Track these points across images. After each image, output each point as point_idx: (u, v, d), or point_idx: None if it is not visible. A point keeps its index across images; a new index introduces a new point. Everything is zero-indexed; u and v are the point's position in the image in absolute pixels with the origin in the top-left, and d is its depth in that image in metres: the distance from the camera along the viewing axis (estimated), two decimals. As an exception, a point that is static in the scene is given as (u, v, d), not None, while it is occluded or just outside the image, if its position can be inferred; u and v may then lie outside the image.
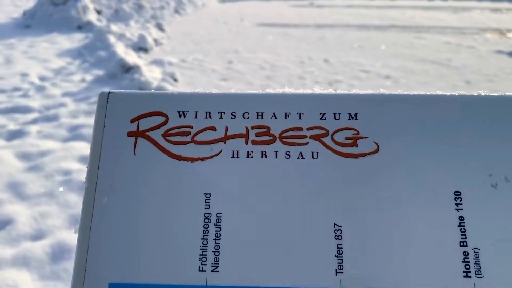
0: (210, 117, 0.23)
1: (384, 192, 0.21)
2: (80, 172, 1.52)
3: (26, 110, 2.16)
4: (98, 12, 4.91)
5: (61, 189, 1.42)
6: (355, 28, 4.77)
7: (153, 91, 0.24)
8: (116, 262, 0.20)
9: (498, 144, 0.22)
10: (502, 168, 0.21)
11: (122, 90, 0.23)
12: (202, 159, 0.22)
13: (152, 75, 2.70)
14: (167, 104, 0.23)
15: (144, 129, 0.23)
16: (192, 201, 0.21)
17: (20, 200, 1.37)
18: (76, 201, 1.37)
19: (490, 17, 5.45)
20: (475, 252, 0.20)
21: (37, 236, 1.20)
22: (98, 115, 0.23)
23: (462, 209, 0.21)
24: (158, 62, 3.12)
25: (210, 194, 0.21)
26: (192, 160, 0.22)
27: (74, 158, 1.64)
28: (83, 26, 4.38)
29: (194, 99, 0.23)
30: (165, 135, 0.22)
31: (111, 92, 0.23)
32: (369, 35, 4.35)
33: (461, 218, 0.21)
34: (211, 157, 0.22)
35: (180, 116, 0.23)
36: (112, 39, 3.48)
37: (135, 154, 0.22)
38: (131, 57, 2.87)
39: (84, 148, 1.71)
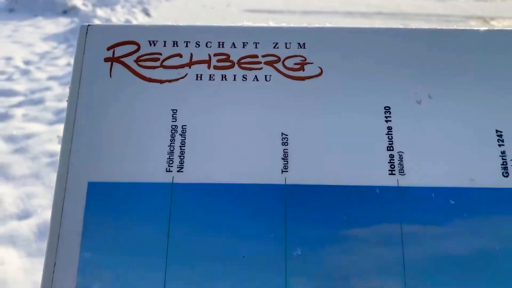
0: (177, 46, 0.26)
1: (325, 108, 0.25)
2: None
3: (11, 93, 2.15)
4: (84, -3, 4.85)
5: (47, 170, 1.43)
6: (342, 15, 4.79)
7: (127, 24, 0.27)
8: (94, 164, 0.24)
9: (423, 68, 0.26)
10: (426, 87, 0.25)
11: (100, 23, 0.26)
12: (170, 81, 0.25)
13: (138, 59, 2.70)
14: (139, 34, 0.26)
15: (119, 56, 0.26)
16: (160, 115, 0.25)
17: (6, 181, 1.39)
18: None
19: (474, 5, 5.51)
20: (399, 155, 0.24)
21: (24, 215, 1.22)
22: (79, 44, 0.26)
23: (390, 121, 0.24)
24: (144, 47, 3.11)
25: (176, 109, 0.25)
26: (161, 81, 0.25)
27: (59, 140, 1.65)
28: (68, 11, 4.33)
29: (163, 30, 0.26)
30: (137, 60, 0.26)
31: (90, 25, 0.26)
32: (355, 22, 4.38)
33: (389, 128, 0.24)
34: (177, 79, 0.25)
35: (150, 45, 0.26)
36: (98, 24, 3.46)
37: (111, 76, 0.25)
38: (117, 42, 2.86)
39: (70, 130, 1.71)
